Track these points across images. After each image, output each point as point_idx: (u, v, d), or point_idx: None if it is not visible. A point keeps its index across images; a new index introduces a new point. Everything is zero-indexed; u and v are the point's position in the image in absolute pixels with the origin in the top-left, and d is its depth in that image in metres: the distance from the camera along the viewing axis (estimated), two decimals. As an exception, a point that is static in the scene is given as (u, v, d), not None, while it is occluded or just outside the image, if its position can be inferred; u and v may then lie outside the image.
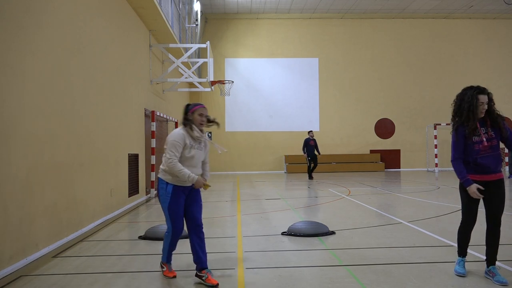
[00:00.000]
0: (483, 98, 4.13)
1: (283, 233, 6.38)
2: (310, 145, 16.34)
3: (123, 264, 5.03)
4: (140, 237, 6.30)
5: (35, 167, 5.25)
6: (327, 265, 4.80)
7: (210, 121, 4.50)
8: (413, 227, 6.74)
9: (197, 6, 18.59)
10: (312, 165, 16.58)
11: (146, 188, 11.37)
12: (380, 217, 7.93)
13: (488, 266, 4.22)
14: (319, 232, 6.24)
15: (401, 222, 7.18)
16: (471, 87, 4.22)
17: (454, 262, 4.70)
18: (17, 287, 4.25)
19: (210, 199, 11.24)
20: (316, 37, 22.12)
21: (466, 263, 4.48)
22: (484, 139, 4.15)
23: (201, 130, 4.37)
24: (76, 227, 6.52)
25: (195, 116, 4.32)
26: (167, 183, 4.29)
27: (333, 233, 6.33)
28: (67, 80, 6.29)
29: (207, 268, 4.29)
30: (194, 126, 4.30)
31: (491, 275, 4.14)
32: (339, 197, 10.84)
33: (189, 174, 4.17)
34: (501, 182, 4.24)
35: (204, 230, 4.41)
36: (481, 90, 4.15)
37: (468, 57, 22.41)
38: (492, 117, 4.19)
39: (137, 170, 10.46)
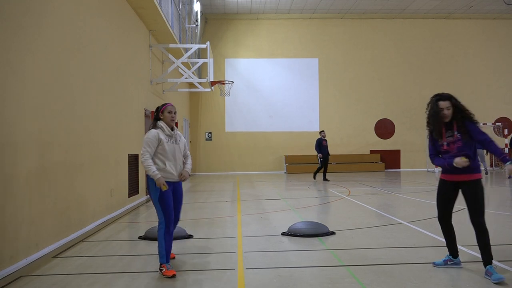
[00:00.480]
0: (443, 104, 4.40)
1: (283, 233, 6.38)
2: (323, 145, 15.53)
3: (124, 264, 5.03)
4: (140, 237, 6.30)
5: (35, 167, 5.24)
6: (327, 266, 4.80)
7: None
8: (413, 227, 6.74)
9: (197, 6, 18.59)
10: (322, 166, 15.84)
11: (146, 189, 11.37)
12: (380, 217, 7.92)
13: (485, 267, 4.26)
14: (319, 232, 6.24)
15: (401, 223, 7.18)
16: (435, 95, 4.53)
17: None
18: (17, 287, 4.25)
19: (210, 199, 11.25)
20: (316, 37, 22.12)
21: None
22: (445, 143, 4.43)
23: (172, 128, 4.78)
24: (77, 227, 6.52)
25: (165, 114, 4.75)
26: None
27: (333, 233, 6.33)
28: (67, 80, 6.29)
29: None
30: (163, 127, 4.72)
31: (489, 274, 4.18)
32: (339, 197, 10.84)
33: (154, 171, 4.51)
34: (473, 183, 4.32)
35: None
36: (441, 97, 4.45)
37: (468, 57, 22.40)
38: (458, 120, 4.38)
39: (137, 170, 10.46)
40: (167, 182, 4.57)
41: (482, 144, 4.30)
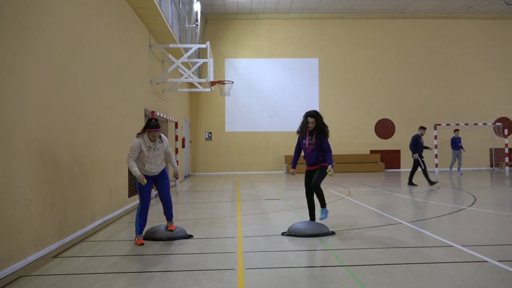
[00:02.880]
0: (310, 120, 6.53)
1: (283, 234, 6.38)
2: (420, 143, 13.20)
3: (123, 264, 5.03)
4: (140, 237, 6.30)
5: (35, 167, 5.24)
6: (327, 266, 4.80)
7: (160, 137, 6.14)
8: (413, 227, 6.74)
9: (197, 6, 18.59)
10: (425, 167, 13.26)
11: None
12: (380, 217, 7.92)
13: (321, 208, 6.63)
14: (319, 232, 6.24)
15: (401, 223, 7.18)
16: (306, 112, 6.67)
17: (454, 262, 4.75)
18: (17, 287, 4.24)
19: (210, 199, 11.25)
20: (316, 37, 22.10)
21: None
22: (307, 143, 6.64)
23: (152, 140, 6.02)
24: (76, 227, 6.52)
25: (150, 135, 5.99)
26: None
27: (333, 233, 6.33)
28: (67, 80, 6.29)
29: (170, 220, 6.35)
30: (145, 139, 5.99)
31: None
32: (339, 198, 10.83)
33: (135, 171, 5.85)
34: (318, 169, 6.60)
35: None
36: (310, 114, 6.58)
37: (468, 57, 22.39)
38: (317, 131, 6.54)
39: (137, 170, 10.44)
40: (147, 176, 6.01)
41: (324, 150, 6.53)
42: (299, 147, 6.84)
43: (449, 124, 20.70)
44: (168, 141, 6.35)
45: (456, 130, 18.72)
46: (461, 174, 18.22)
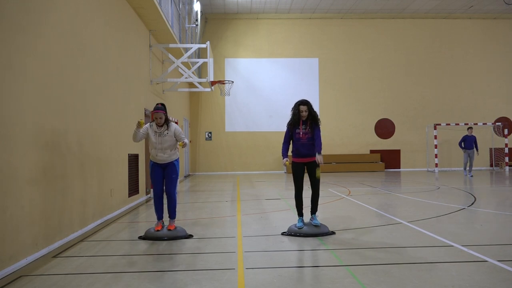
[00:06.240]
0: (303, 108, 6.37)
1: (283, 233, 6.38)
2: None
3: (123, 264, 5.03)
4: (140, 237, 6.30)
5: (35, 167, 5.24)
6: (327, 265, 4.80)
7: (167, 119, 6.30)
8: (413, 227, 6.74)
9: (197, 6, 18.59)
10: None
11: (146, 188, 11.37)
12: (380, 217, 7.92)
13: (311, 215, 6.50)
14: (319, 232, 6.24)
15: (401, 222, 7.18)
16: (297, 102, 6.48)
17: (454, 262, 4.76)
18: (17, 287, 4.24)
19: (210, 199, 11.24)
20: (316, 37, 22.11)
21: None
22: (301, 132, 6.38)
23: (161, 125, 6.26)
24: (76, 227, 6.52)
25: (155, 118, 6.26)
26: (150, 160, 6.43)
27: (333, 233, 6.33)
28: (67, 80, 6.29)
29: (171, 218, 6.46)
30: (153, 124, 6.29)
31: (311, 219, 6.43)
32: (339, 197, 10.83)
33: (134, 130, 6.23)
34: (314, 168, 6.44)
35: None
36: (302, 102, 6.44)
37: (468, 57, 22.40)
38: (311, 121, 6.43)
39: (137, 170, 10.45)
40: (154, 162, 6.35)
41: (316, 138, 6.36)
42: (289, 137, 6.50)
43: (449, 124, 20.69)
44: (179, 128, 6.45)
45: (469, 128, 17.26)
46: (472, 176, 16.91)
